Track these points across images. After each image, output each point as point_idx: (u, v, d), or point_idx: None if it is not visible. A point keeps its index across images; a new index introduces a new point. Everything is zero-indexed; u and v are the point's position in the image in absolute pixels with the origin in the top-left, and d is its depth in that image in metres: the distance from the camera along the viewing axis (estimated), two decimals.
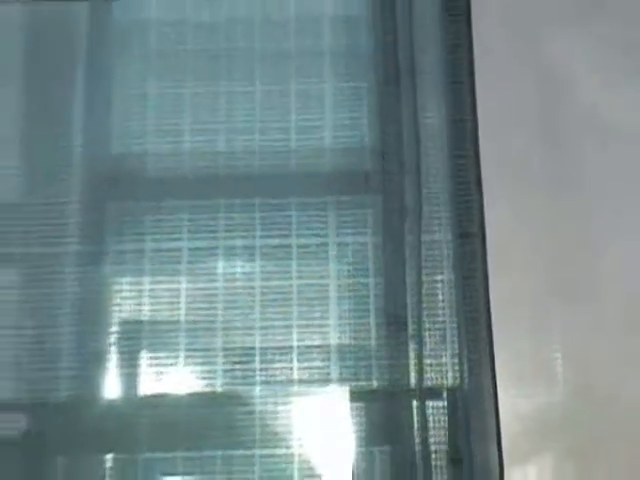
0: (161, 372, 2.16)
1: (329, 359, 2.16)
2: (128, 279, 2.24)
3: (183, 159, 2.24)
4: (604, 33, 2.13)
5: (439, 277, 2.09)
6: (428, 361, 2.11)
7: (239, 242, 2.22)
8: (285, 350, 2.18)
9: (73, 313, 2.23)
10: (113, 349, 2.18)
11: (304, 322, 2.19)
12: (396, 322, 2.12)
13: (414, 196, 2.12)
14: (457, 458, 2.04)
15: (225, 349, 2.18)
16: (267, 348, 2.18)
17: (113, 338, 2.18)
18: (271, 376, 2.17)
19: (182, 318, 2.20)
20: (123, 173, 2.32)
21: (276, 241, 2.20)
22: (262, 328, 2.18)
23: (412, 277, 2.14)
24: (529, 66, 2.06)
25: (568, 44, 2.10)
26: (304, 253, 2.22)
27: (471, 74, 2.06)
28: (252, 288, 2.20)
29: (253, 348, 2.16)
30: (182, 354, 2.17)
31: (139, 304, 2.21)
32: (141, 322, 2.20)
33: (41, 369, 2.18)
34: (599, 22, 2.16)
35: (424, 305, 2.12)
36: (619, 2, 2.17)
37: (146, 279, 2.23)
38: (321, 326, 2.16)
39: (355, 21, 2.41)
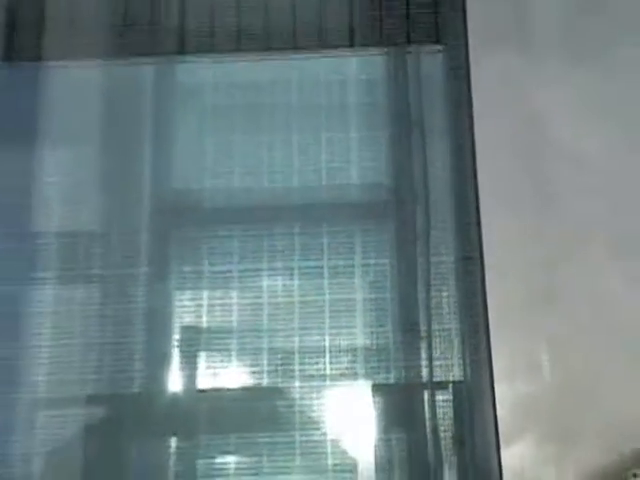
0: (216, 370, 2.32)
1: (355, 359, 2.30)
2: (189, 295, 2.40)
3: (233, 195, 2.46)
4: (581, 84, 2.28)
5: (445, 293, 2.24)
6: (437, 362, 2.25)
7: (280, 264, 2.37)
8: (319, 352, 2.33)
9: (144, 323, 2.37)
10: (176, 351, 2.33)
11: (334, 329, 2.33)
12: (410, 329, 2.26)
13: (424, 225, 2.34)
14: (461, 440, 2.17)
15: (269, 351, 2.33)
16: (304, 350, 2.33)
17: (176, 342, 2.34)
18: (307, 373, 2.31)
19: (234, 326, 2.35)
20: (184, 207, 2.48)
21: (311, 263, 2.36)
22: (300, 334, 2.33)
23: (423, 292, 2.28)
24: (519, 110, 2.23)
25: (551, 93, 2.26)
26: (334, 273, 2.36)
27: (471, 126, 2.24)
28: (291, 301, 2.34)
29: (292, 350, 2.31)
30: (234, 355, 2.33)
31: (198, 315, 2.36)
32: (200, 329, 2.35)
33: (119, 369, 2.34)
34: (578, 76, 2.31)
35: (433, 315, 2.27)
36: (595, 60, 2.31)
37: (204, 294, 2.38)
38: (348, 332, 2.30)
39: (374, 83, 2.58)
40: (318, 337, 2.28)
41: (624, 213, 2.15)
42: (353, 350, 2.28)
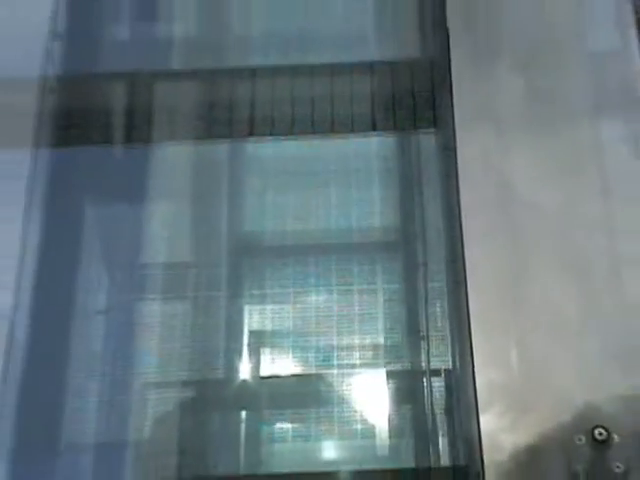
0: (275, 362, 2.70)
1: (377, 354, 2.68)
2: (256, 308, 2.81)
3: (287, 235, 2.90)
4: (544, 152, 2.51)
5: (439, 308, 2.63)
6: (433, 356, 2.63)
7: (322, 286, 2.77)
8: (350, 349, 2.71)
9: (223, 330, 2.77)
10: (246, 349, 2.72)
11: (362, 333, 2.72)
12: (414, 333, 2.65)
13: (422, 259, 2.73)
14: (451, 413, 2.50)
15: (315, 349, 2.71)
16: (340, 348, 2.70)
17: (246, 343, 2.74)
18: (342, 364, 2.69)
19: (289, 330, 2.74)
20: (252, 244, 2.92)
21: (345, 285, 2.76)
22: (337, 336, 2.71)
23: (423, 307, 2.66)
24: (493, 175, 2.49)
25: (520, 160, 2.49)
26: (361, 292, 2.76)
27: (457, 190, 2.51)
28: (331, 313, 2.74)
29: (331, 348, 2.69)
30: (289, 351, 2.71)
31: (262, 323, 2.75)
32: (263, 333, 2.74)
33: (205, 363, 2.71)
34: (541, 145, 2.53)
35: (430, 323, 2.63)
36: (567, 127, 2.55)
37: (267, 308, 2.79)
38: (371, 336, 2.71)
39: (390, 157, 3.03)
40: (350, 339, 2.64)
41: (576, 244, 2.41)
42: (375, 348, 2.64)
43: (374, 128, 2.89)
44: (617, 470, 2.16)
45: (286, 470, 2.56)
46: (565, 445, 2.17)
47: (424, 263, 2.67)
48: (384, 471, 2.56)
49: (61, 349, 2.70)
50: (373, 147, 2.91)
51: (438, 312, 2.58)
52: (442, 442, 2.51)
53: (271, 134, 2.81)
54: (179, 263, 2.76)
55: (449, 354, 2.56)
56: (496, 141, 2.52)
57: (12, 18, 2.88)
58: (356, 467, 2.58)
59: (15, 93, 2.86)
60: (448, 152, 2.53)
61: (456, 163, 2.48)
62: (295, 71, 2.92)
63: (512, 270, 2.37)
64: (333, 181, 2.83)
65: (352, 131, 2.79)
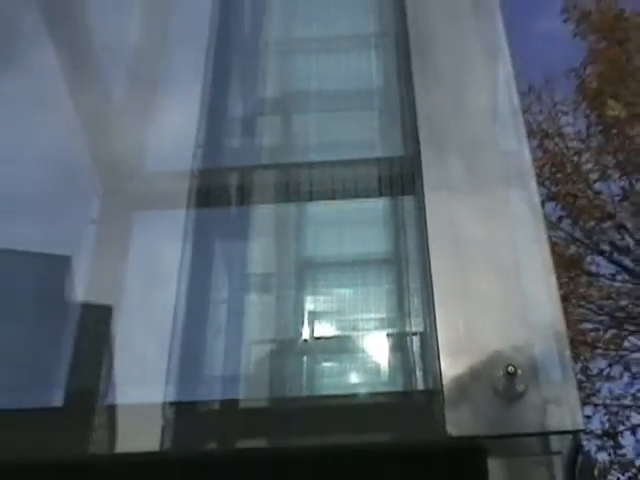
0: (324, 330, 3.28)
1: (383, 325, 3.21)
2: (313, 309, 3.33)
3: (330, 258, 3.56)
4: (480, 204, 2.96)
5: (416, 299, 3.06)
6: (415, 331, 2.98)
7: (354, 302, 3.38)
8: (366, 321, 3.24)
9: (292, 312, 3.32)
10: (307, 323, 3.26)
11: (375, 312, 3.20)
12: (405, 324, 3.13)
13: (406, 283, 3.18)
14: (425, 361, 2.86)
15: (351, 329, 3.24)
16: (360, 320, 3.22)
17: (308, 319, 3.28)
18: (362, 328, 3.20)
19: (334, 320, 3.30)
20: (310, 263, 3.55)
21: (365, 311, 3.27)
22: (358, 314, 3.28)
23: (407, 299, 3.15)
24: (446, 232, 2.78)
25: (467, 221, 2.83)
26: (377, 306, 3.26)
27: (427, 242, 2.78)
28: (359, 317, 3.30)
29: (356, 321, 3.27)
30: (334, 326, 3.30)
31: (316, 308, 3.36)
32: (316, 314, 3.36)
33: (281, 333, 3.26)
34: (479, 202, 2.99)
35: (413, 321, 3.01)
36: (489, 193, 2.95)
37: (319, 299, 3.38)
38: (379, 315, 3.28)
39: (391, 214, 3.49)
40: (365, 314, 3.22)
41: (500, 260, 2.72)
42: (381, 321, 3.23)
43: (381, 194, 3.42)
44: (520, 390, 2.44)
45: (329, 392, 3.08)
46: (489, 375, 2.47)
47: (407, 286, 3.10)
48: (380, 394, 2.92)
49: (203, 323, 3.23)
50: (379, 207, 3.52)
51: (416, 301, 2.99)
52: (419, 375, 2.85)
53: (318, 199, 3.48)
54: (268, 273, 3.34)
55: (424, 329, 2.86)
56: (450, 202, 2.80)
57: (176, 135, 3.46)
58: (368, 390, 3.00)
59: (175, 178, 3.45)
60: (420, 214, 2.88)
61: (425, 216, 2.81)
62: (333, 165, 3.49)
63: (462, 275, 2.66)
64: (348, 225, 3.48)
65: (368, 196, 3.32)
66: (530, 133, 12.57)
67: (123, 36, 3.88)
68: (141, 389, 2.87)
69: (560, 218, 13.01)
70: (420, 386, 2.83)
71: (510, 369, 2.40)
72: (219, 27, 3.88)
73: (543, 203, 11.35)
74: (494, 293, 2.66)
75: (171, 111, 3.69)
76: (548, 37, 19.40)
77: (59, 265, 3.13)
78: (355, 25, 4.04)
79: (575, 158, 13.54)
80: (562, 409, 2.40)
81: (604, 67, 13.31)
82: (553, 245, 11.47)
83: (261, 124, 3.85)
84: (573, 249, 13.21)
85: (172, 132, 3.54)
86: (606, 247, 13.06)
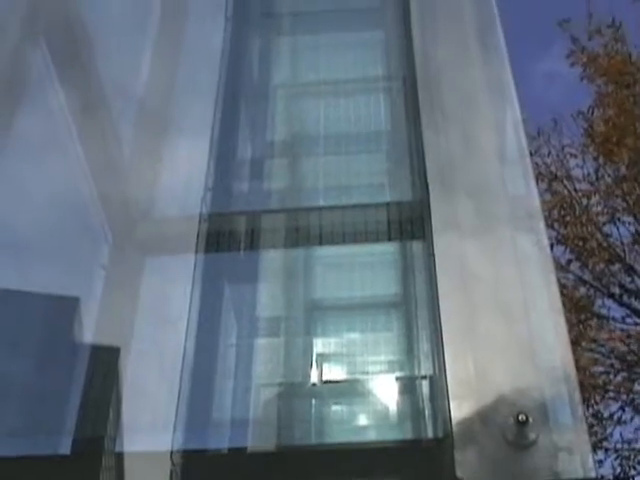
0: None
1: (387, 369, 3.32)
2: (321, 344, 3.40)
3: (341, 300, 3.57)
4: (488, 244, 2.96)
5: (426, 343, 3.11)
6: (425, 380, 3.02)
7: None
8: (373, 363, 3.28)
9: (301, 355, 3.36)
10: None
11: (380, 354, 3.30)
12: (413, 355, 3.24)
13: (416, 324, 3.20)
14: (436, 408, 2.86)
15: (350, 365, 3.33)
16: (367, 363, 3.27)
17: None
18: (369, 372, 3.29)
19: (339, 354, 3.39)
20: (318, 305, 3.57)
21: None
22: (365, 356, 3.33)
23: (416, 344, 3.16)
24: (456, 270, 2.80)
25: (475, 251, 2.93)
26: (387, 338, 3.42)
27: (436, 285, 2.75)
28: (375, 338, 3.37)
29: (362, 363, 3.30)
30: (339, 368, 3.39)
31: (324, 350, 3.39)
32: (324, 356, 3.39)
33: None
34: (487, 242, 2.97)
35: (421, 357, 3.07)
36: (498, 233, 2.91)
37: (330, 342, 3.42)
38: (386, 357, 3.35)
39: (400, 254, 3.53)
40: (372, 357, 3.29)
41: (504, 297, 2.68)
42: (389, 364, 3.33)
43: (390, 239, 3.44)
44: (530, 438, 2.37)
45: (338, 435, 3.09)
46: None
47: (416, 326, 3.10)
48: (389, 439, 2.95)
49: (212, 367, 3.24)
50: (389, 249, 3.56)
51: (425, 344, 3.00)
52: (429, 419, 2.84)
53: (327, 243, 3.51)
54: (277, 316, 3.32)
55: (432, 366, 2.87)
56: (459, 244, 2.77)
57: (186, 179, 3.48)
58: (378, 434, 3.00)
59: (184, 222, 3.43)
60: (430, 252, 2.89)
61: (434, 259, 2.79)
62: (342, 209, 3.53)
63: (471, 317, 2.62)
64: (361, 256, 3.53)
65: (377, 240, 3.31)
66: (538, 175, 12.58)
67: (135, 83, 3.92)
68: (149, 436, 2.83)
69: (569, 261, 12.98)
70: (430, 430, 2.79)
71: (521, 417, 2.34)
72: (228, 73, 3.87)
73: (552, 246, 11.33)
74: (503, 336, 2.61)
75: (181, 156, 3.69)
76: (552, 79, 19.52)
77: (68, 308, 3.09)
78: (363, 69, 4.07)
79: (584, 200, 13.57)
80: (573, 456, 2.33)
81: (612, 111, 13.37)
82: (562, 287, 11.41)
83: (270, 168, 3.88)
84: (583, 291, 13.16)
85: (182, 177, 3.57)
86: (616, 290, 13.01)
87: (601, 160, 13.41)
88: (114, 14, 4.13)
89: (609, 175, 13.27)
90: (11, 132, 3.35)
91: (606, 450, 13.02)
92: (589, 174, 13.78)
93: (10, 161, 3.33)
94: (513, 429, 2.35)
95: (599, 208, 13.80)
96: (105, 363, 3.03)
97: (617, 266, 13.10)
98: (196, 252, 3.37)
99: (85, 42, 3.81)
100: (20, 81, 3.53)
